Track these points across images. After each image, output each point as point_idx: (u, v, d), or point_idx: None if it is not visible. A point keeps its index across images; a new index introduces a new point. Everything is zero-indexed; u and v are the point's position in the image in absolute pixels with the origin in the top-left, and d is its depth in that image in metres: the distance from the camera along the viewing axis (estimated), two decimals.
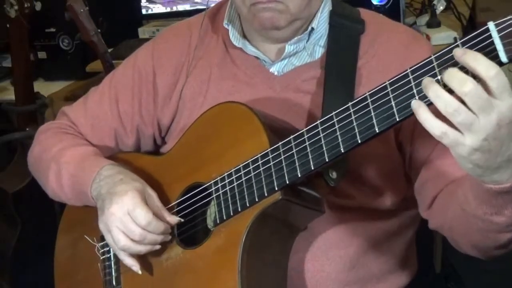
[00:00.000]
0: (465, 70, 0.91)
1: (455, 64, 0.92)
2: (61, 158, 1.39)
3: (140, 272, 1.27)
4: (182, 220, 1.27)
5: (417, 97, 0.96)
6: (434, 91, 0.92)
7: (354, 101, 1.06)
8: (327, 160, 1.09)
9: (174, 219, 1.26)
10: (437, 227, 1.24)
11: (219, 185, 1.22)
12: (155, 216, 1.23)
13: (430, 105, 0.94)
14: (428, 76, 0.95)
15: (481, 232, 1.09)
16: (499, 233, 1.08)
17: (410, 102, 0.96)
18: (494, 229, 1.07)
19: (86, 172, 1.34)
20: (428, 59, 0.96)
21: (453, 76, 0.91)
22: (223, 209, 1.21)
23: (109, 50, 2.35)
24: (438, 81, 0.93)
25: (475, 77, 0.90)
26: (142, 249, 1.25)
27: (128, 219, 1.22)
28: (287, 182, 1.13)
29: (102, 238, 1.37)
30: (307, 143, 1.11)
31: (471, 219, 1.08)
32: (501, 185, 0.99)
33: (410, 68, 0.98)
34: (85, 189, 1.33)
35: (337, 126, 1.08)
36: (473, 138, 0.92)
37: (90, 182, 1.32)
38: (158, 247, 1.26)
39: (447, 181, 1.19)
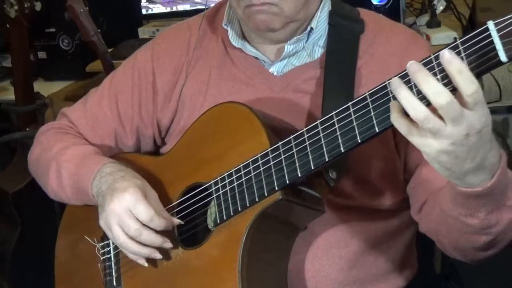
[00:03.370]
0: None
1: None
2: (61, 157, 1.39)
3: (146, 264, 1.27)
4: (182, 222, 1.27)
5: (416, 97, 0.97)
6: (405, 98, 0.93)
7: (354, 101, 1.06)
8: (327, 160, 1.10)
9: (175, 221, 1.26)
10: (426, 231, 1.25)
11: (219, 185, 1.22)
12: (157, 213, 1.23)
13: None
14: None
15: (459, 233, 1.11)
16: (475, 234, 1.09)
17: None
18: (470, 231, 1.08)
19: (87, 170, 1.34)
20: (428, 59, 0.96)
21: (430, 87, 0.91)
22: (224, 209, 1.21)
23: (109, 50, 2.35)
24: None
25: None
26: (140, 250, 1.24)
27: (126, 214, 1.22)
28: (287, 182, 1.13)
29: (102, 239, 1.37)
30: (307, 142, 1.11)
31: (449, 219, 1.10)
32: (472, 189, 1.00)
33: None
34: (86, 187, 1.33)
35: (337, 126, 1.08)
36: (441, 142, 0.93)
37: (91, 180, 1.32)
38: (159, 256, 1.25)
39: (436, 187, 1.20)
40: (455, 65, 0.90)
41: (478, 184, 1.00)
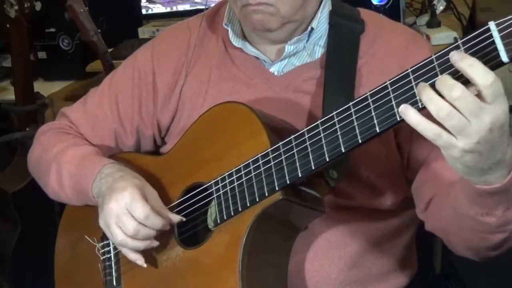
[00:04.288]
0: (460, 73, 0.92)
1: None
2: (62, 158, 1.39)
3: (145, 265, 1.26)
4: (184, 219, 1.27)
5: (417, 97, 0.97)
6: (427, 95, 0.93)
7: (355, 101, 1.06)
8: (327, 160, 1.10)
9: (176, 218, 1.26)
10: (433, 229, 1.25)
11: (220, 185, 1.22)
12: (154, 211, 1.23)
13: (422, 109, 0.95)
14: (428, 76, 0.96)
15: (472, 232, 1.10)
16: (490, 233, 1.08)
17: (412, 102, 0.97)
18: (485, 230, 1.08)
19: (87, 171, 1.34)
20: (429, 59, 0.96)
21: (443, 82, 0.92)
22: (224, 209, 1.21)
23: (109, 50, 2.35)
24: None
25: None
26: (139, 245, 1.24)
27: (124, 213, 1.22)
28: (288, 182, 1.13)
29: (102, 238, 1.37)
30: (307, 143, 1.11)
31: (463, 218, 1.09)
32: (490, 186, 1.00)
33: (411, 68, 0.98)
34: (86, 188, 1.33)
35: (337, 126, 1.08)
36: (466, 141, 0.93)
37: (91, 181, 1.32)
38: (156, 243, 1.26)
39: (443, 184, 1.19)
40: (466, 61, 0.90)
41: (495, 181, 0.99)
